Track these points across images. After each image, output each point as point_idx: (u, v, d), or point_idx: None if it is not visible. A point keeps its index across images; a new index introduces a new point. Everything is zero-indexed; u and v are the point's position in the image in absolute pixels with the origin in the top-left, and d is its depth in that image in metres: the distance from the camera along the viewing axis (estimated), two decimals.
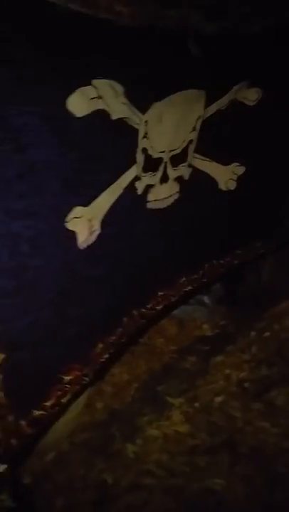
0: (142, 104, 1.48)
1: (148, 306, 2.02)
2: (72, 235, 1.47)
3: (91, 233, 1.56)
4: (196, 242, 2.20)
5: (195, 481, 1.68)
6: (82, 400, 1.86)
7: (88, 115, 1.29)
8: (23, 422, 1.33)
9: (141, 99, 1.45)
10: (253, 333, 2.51)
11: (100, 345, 1.68)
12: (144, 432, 1.87)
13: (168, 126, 1.70)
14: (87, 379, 1.60)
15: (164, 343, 2.47)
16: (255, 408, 2.01)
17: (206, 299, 2.74)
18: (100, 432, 1.90)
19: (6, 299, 1.28)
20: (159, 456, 1.78)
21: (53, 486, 1.64)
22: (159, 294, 2.09)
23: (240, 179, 2.31)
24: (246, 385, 2.17)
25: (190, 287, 2.29)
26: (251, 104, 2.06)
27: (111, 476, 1.69)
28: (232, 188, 2.29)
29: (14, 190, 1.22)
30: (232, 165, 2.22)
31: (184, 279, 2.23)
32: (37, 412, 1.39)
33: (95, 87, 1.26)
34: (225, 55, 1.74)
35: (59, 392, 1.47)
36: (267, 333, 2.51)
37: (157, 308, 2.08)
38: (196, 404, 2.02)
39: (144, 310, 1.98)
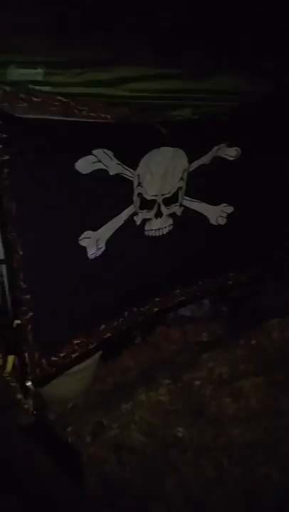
0: (131, 163, 2.23)
1: (146, 307, 2.69)
2: (83, 249, 2.21)
3: (98, 249, 2.28)
4: (190, 263, 2.77)
5: (164, 429, 2.32)
6: (92, 370, 2.60)
7: (91, 172, 2.06)
8: (43, 361, 2.09)
9: (128, 159, 2.20)
10: (241, 341, 3.07)
11: (103, 326, 2.40)
12: (135, 397, 2.54)
13: (157, 177, 2.38)
14: (91, 346, 2.34)
15: (167, 345, 3.12)
16: (224, 390, 2.58)
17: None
18: (105, 395, 2.61)
19: (38, 282, 2.04)
20: (143, 413, 2.43)
21: (66, 421, 2.37)
22: (156, 299, 2.73)
23: (230, 215, 2.90)
24: (224, 376, 2.75)
25: (184, 298, 2.91)
26: (232, 159, 2.70)
27: (106, 420, 2.38)
28: (222, 223, 2.93)
29: (46, 218, 2.02)
30: (221, 205, 2.82)
31: (178, 290, 2.86)
32: (53, 358, 2.14)
33: (94, 155, 2.05)
34: (199, 129, 2.46)
35: (69, 349, 2.22)
36: (253, 341, 3.06)
37: (154, 309, 2.74)
38: (179, 384, 2.65)
39: (142, 309, 2.64)
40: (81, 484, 2.02)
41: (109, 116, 1.98)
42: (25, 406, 2.05)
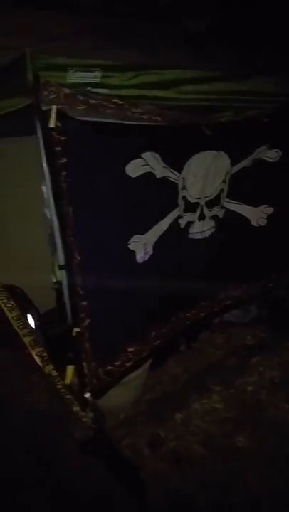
0: (177, 166, 2.21)
1: (193, 312, 2.63)
2: (132, 254, 2.17)
3: (146, 253, 2.25)
4: (233, 265, 2.74)
5: (224, 439, 2.22)
6: (142, 379, 2.53)
7: (140, 175, 2.04)
8: (100, 370, 2.02)
9: (174, 162, 2.17)
10: (287, 343, 2.97)
11: (153, 333, 2.34)
12: (189, 407, 2.44)
13: (200, 180, 2.37)
14: (144, 354, 2.27)
15: (212, 350, 3.04)
16: (280, 395, 2.48)
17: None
18: (157, 405, 2.52)
19: (93, 288, 1.97)
20: (198, 422, 2.34)
21: (120, 433, 2.29)
22: (202, 304, 2.68)
23: (270, 217, 2.87)
24: (276, 380, 2.65)
25: (229, 301, 2.85)
26: (272, 161, 2.68)
27: (163, 432, 2.29)
28: (263, 225, 2.88)
29: (99, 222, 1.97)
30: (261, 206, 2.79)
31: (223, 294, 2.81)
32: (109, 367, 2.07)
33: (143, 159, 2.03)
34: (241, 132, 2.43)
35: (124, 358, 2.15)
36: None
37: (201, 314, 2.68)
38: (232, 390, 2.55)
39: (189, 314, 2.59)
40: (144, 501, 1.92)
41: (160, 119, 1.96)
42: (84, 419, 1.98)
